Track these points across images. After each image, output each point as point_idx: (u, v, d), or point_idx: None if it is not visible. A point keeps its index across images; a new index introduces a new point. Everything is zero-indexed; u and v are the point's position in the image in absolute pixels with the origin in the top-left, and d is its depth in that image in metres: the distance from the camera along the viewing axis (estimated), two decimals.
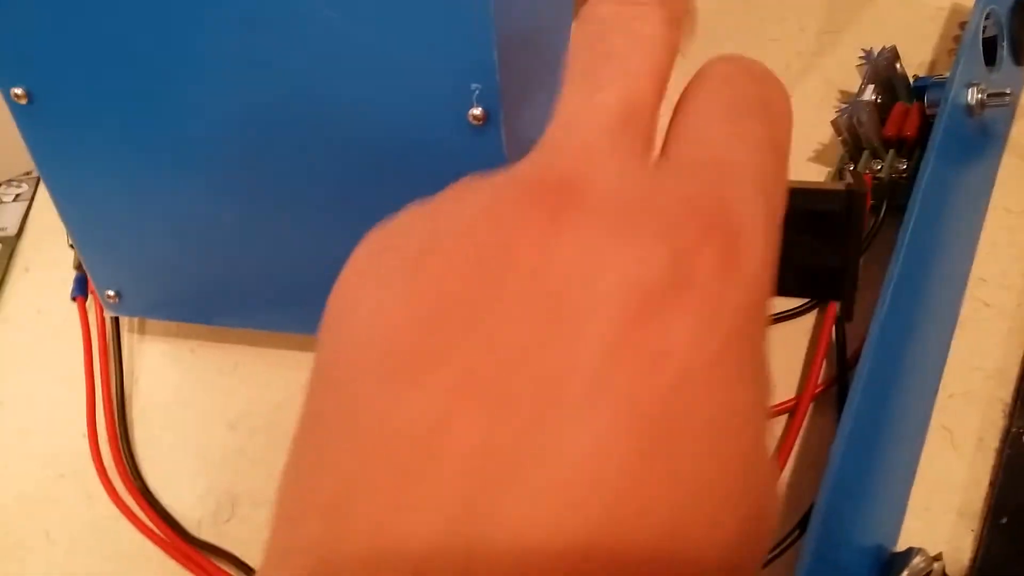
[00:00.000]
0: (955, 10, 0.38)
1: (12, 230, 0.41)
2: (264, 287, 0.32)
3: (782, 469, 0.29)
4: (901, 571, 0.25)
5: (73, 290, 0.37)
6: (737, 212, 0.14)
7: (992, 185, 0.33)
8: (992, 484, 0.28)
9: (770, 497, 0.14)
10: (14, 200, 0.42)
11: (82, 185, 0.31)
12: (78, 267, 0.37)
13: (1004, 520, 0.27)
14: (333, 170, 0.28)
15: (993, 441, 0.28)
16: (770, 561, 0.27)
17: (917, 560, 0.25)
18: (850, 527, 0.25)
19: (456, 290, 0.14)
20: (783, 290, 0.19)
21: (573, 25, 0.18)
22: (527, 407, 0.13)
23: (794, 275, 0.19)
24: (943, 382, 0.30)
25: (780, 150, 0.17)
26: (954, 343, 0.30)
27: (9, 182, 0.42)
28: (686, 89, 0.18)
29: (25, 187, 0.42)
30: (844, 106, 0.33)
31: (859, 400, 0.25)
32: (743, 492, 0.13)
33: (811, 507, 0.26)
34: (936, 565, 0.26)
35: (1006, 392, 0.29)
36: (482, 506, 0.12)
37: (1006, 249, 0.32)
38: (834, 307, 0.31)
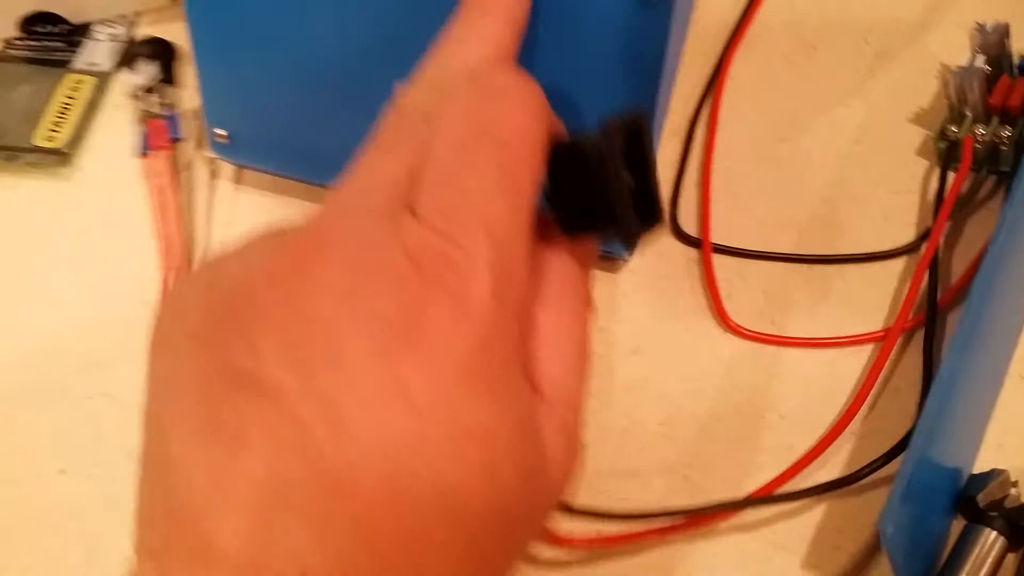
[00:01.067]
0: None
1: (107, 66, 0.40)
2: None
3: (866, 396, 0.30)
4: (982, 489, 0.27)
5: (140, 147, 0.37)
6: (459, 260, 0.17)
7: None
8: None
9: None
10: (109, 40, 0.41)
11: (221, 13, 0.31)
12: (143, 120, 0.37)
13: None
14: None
15: None
16: (860, 478, 0.28)
17: (999, 480, 0.27)
18: (940, 451, 0.27)
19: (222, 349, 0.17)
20: (577, 232, 0.21)
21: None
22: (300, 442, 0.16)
23: (582, 216, 0.21)
24: (1023, 336, 0.31)
25: (510, 176, 0.19)
26: None
27: (104, 21, 0.42)
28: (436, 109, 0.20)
29: (121, 29, 0.42)
30: (956, 69, 0.34)
31: (962, 337, 0.27)
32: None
33: (909, 433, 0.27)
34: (1013, 490, 0.27)
35: None
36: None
37: None
38: (931, 251, 0.32)
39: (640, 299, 0.33)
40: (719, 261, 0.33)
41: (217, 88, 0.33)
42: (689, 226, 0.34)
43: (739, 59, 0.38)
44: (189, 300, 0.19)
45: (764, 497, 0.28)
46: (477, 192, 0.18)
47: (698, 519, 0.28)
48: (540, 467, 0.19)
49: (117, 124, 0.39)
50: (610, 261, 0.34)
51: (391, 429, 0.16)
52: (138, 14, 0.42)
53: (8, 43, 0.41)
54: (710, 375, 0.31)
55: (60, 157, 0.37)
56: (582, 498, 0.27)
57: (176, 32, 0.40)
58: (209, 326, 0.17)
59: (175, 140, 0.37)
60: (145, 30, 0.42)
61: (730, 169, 0.36)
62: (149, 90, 0.38)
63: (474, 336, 0.17)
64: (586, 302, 0.21)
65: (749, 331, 0.32)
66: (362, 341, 0.16)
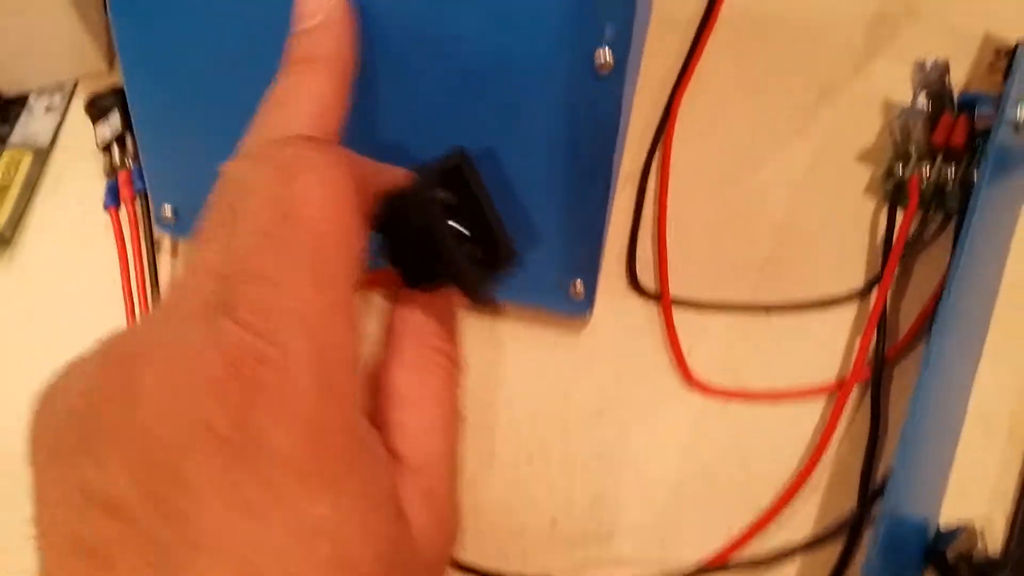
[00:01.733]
0: (987, 38, 0.41)
1: (44, 141, 0.39)
2: None
3: (823, 450, 0.30)
4: (949, 545, 0.27)
5: (106, 199, 0.36)
6: (276, 359, 0.17)
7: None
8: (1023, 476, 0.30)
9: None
10: (46, 112, 0.40)
11: (162, 87, 0.31)
12: (110, 173, 0.36)
13: None
14: (437, 100, 0.28)
15: (1022, 431, 0.31)
16: (829, 536, 0.28)
17: (965, 535, 0.27)
18: (910, 503, 0.27)
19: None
20: (422, 286, 0.21)
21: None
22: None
23: (421, 268, 0.21)
24: (978, 377, 0.32)
25: (316, 259, 0.19)
26: (988, 341, 0.33)
27: (40, 92, 0.41)
28: None
29: (57, 99, 0.41)
30: (900, 110, 0.35)
31: (924, 382, 0.27)
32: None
33: (871, 490, 0.28)
34: (980, 544, 0.28)
35: None
36: None
37: None
38: (881, 300, 0.33)
39: (602, 359, 0.33)
40: (679, 315, 0.33)
41: (161, 164, 0.33)
42: (647, 279, 0.35)
43: (686, 104, 0.39)
44: (46, 418, 0.19)
45: (733, 563, 0.28)
46: (285, 286, 0.18)
47: None
48: (404, 541, 0.19)
49: (57, 200, 0.38)
50: (570, 322, 0.33)
51: (239, 539, 0.16)
52: (76, 84, 0.41)
53: None
54: (676, 435, 0.31)
55: (1, 241, 0.36)
56: (555, 565, 0.27)
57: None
58: (62, 445, 0.18)
59: (140, 191, 0.36)
60: (80, 100, 0.41)
61: (684, 216, 0.36)
62: (118, 141, 0.36)
63: (301, 433, 0.17)
64: (449, 357, 0.21)
65: (712, 387, 0.32)
66: (198, 455, 0.17)
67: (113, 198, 0.35)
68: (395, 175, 0.22)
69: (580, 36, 0.26)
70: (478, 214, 0.21)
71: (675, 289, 0.34)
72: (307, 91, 0.23)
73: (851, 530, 0.28)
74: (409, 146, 0.29)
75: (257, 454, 0.17)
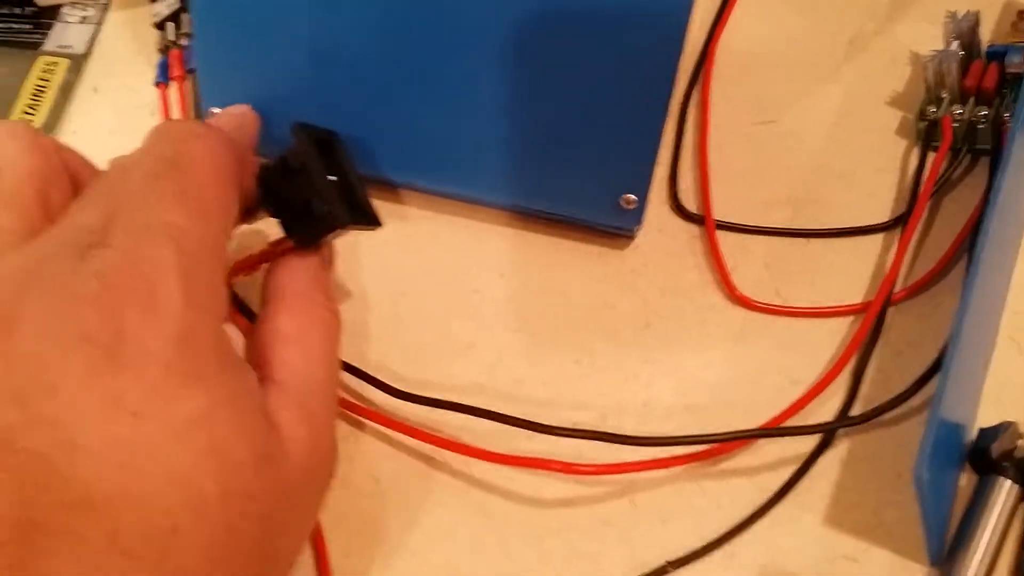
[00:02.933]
0: (1009, 2, 0.42)
1: (80, 48, 0.39)
2: (387, 135, 0.32)
3: (855, 348, 0.31)
4: (993, 441, 0.28)
5: (156, 75, 0.36)
6: (147, 270, 0.19)
7: None
8: None
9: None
10: (80, 22, 0.40)
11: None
12: (163, 50, 0.36)
13: None
14: (516, 20, 0.29)
15: None
16: (875, 415, 0.29)
17: (1008, 433, 0.28)
18: (952, 407, 0.28)
19: None
20: (307, 241, 0.24)
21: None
22: None
23: (303, 223, 0.24)
24: (1008, 301, 0.33)
25: (193, 195, 0.21)
26: (1017, 270, 0.34)
27: (73, 3, 0.40)
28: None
29: (92, 11, 0.40)
30: (933, 53, 0.36)
31: (967, 300, 0.28)
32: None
33: (919, 381, 0.29)
34: (1020, 441, 0.29)
35: None
36: None
37: None
38: (912, 228, 0.34)
39: (648, 275, 0.33)
40: (721, 237, 0.34)
41: (216, 65, 0.32)
42: (688, 203, 0.35)
43: (722, 47, 0.40)
44: None
45: (776, 428, 0.29)
46: (161, 210, 0.20)
47: (718, 448, 0.29)
48: (276, 446, 0.20)
49: (94, 107, 0.37)
50: (616, 239, 0.34)
51: (115, 436, 0.18)
52: None
53: None
54: (721, 345, 0.32)
55: None
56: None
57: (145, 14, 0.39)
58: None
59: (192, 71, 0.35)
60: (118, 13, 0.40)
61: (723, 149, 0.37)
62: (170, 19, 0.36)
63: (171, 333, 0.19)
64: (327, 308, 0.24)
65: (757, 302, 0.32)
66: (73, 365, 0.18)
67: (163, 74, 0.35)
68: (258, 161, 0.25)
69: None
70: (346, 181, 0.24)
71: (716, 214, 0.35)
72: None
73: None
74: (478, 54, 0.30)
75: (130, 355, 0.18)
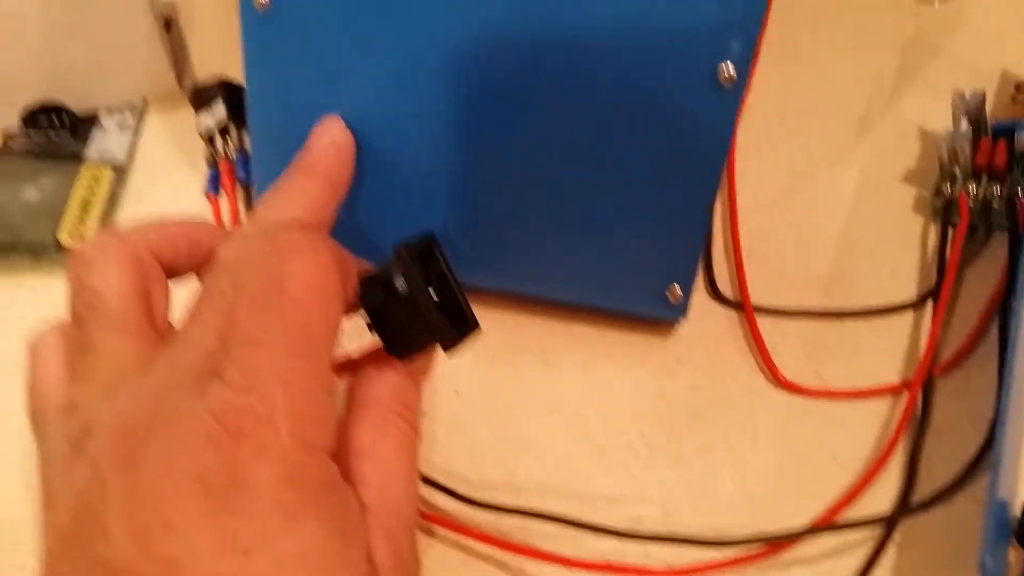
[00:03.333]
0: (1004, 74, 0.45)
1: (121, 157, 0.40)
2: (459, 238, 0.33)
3: (900, 433, 0.33)
4: None
5: (207, 187, 0.37)
6: (260, 412, 0.20)
7: None
8: None
9: None
10: (119, 129, 0.41)
11: (287, 101, 0.32)
12: (211, 161, 0.38)
13: None
14: (573, 118, 0.30)
15: None
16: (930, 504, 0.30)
17: None
18: (1002, 487, 0.29)
19: None
20: (403, 354, 0.25)
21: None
22: None
23: (402, 337, 0.24)
24: None
25: (302, 329, 0.21)
26: None
27: (110, 111, 0.41)
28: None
29: (128, 116, 0.41)
30: (946, 133, 0.38)
31: (1008, 382, 0.30)
32: None
33: (971, 465, 0.30)
34: None
35: None
36: None
37: None
38: (942, 308, 0.36)
39: (693, 363, 0.35)
40: (759, 320, 0.36)
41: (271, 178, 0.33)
42: (724, 288, 0.37)
43: (741, 132, 0.41)
44: (58, 500, 0.21)
45: (842, 522, 0.30)
46: (272, 349, 0.21)
47: (773, 547, 0.30)
48: (370, 573, 0.21)
49: (141, 215, 0.38)
50: (658, 327, 0.35)
51: (227, 573, 0.19)
52: (145, 101, 0.42)
53: (9, 137, 0.40)
54: (771, 430, 0.33)
55: None
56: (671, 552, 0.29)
57: (182, 120, 0.40)
58: (76, 528, 0.20)
59: (244, 182, 0.37)
60: (154, 117, 0.41)
61: (751, 232, 0.38)
62: (220, 132, 0.38)
63: (281, 473, 0.20)
64: (408, 421, 0.25)
65: (801, 386, 0.34)
66: (190, 504, 0.19)
67: (214, 185, 0.37)
68: (365, 266, 0.26)
69: (707, 50, 0.28)
70: (446, 287, 0.24)
71: (752, 297, 0.36)
72: (303, 191, 0.27)
73: (894, 512, 0.31)
74: (534, 154, 0.31)
75: (242, 495, 0.19)
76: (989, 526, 0.26)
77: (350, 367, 0.26)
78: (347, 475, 0.23)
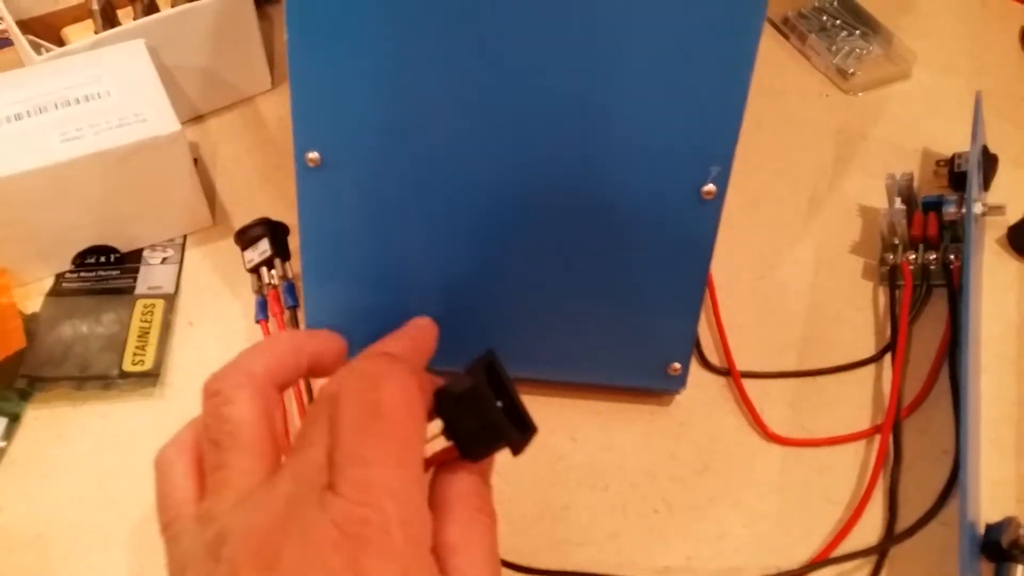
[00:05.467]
0: (926, 152, 0.52)
1: (169, 288, 0.45)
2: (472, 334, 0.38)
3: (878, 473, 0.39)
4: (1001, 534, 0.35)
5: (256, 313, 0.42)
6: (375, 520, 0.23)
7: (982, 268, 0.46)
8: None
9: None
10: (162, 263, 0.46)
11: (335, 249, 0.37)
12: (258, 291, 0.42)
13: None
14: (583, 237, 0.36)
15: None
16: (913, 532, 0.36)
17: (1012, 525, 0.35)
18: (968, 509, 0.35)
19: None
20: (476, 456, 0.29)
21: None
22: None
23: (476, 442, 0.28)
24: (983, 410, 0.41)
25: (398, 444, 0.25)
26: (982, 383, 0.42)
27: (152, 247, 0.46)
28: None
29: (171, 252, 0.46)
30: (885, 211, 0.45)
31: (964, 416, 0.35)
32: None
33: (943, 495, 0.36)
34: (1021, 531, 0.36)
35: None
36: None
37: (1003, 311, 0.44)
38: (899, 361, 0.42)
39: (694, 426, 0.40)
40: (745, 384, 0.41)
41: (323, 309, 0.38)
42: (711, 357, 0.42)
43: None
44: None
45: (847, 555, 0.36)
46: (378, 465, 0.24)
47: None
48: None
49: (193, 340, 0.43)
50: (661, 397, 0.41)
51: None
52: (185, 237, 0.47)
53: (61, 277, 0.45)
54: (769, 479, 0.39)
55: (151, 379, 0.41)
56: None
57: (218, 249, 0.46)
58: None
59: (291, 307, 0.42)
60: (192, 251, 0.46)
61: (730, 308, 0.44)
62: (265, 263, 0.43)
63: (397, 570, 0.23)
64: (488, 514, 0.28)
65: (789, 439, 0.40)
66: None
67: (263, 312, 0.42)
68: (438, 380, 0.30)
69: (692, 174, 0.34)
70: (508, 394, 0.29)
71: (737, 364, 0.42)
72: (399, 346, 0.31)
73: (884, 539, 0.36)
74: (553, 267, 0.37)
75: None
76: (964, 546, 0.31)
77: (429, 464, 0.29)
78: (440, 568, 0.26)
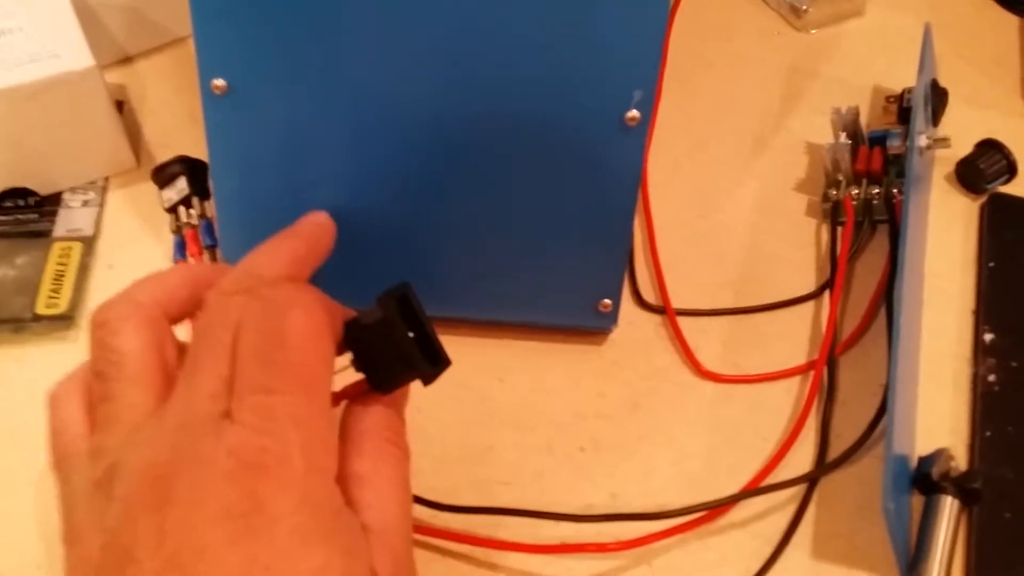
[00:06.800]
0: (876, 88, 0.51)
1: (88, 231, 0.43)
2: (388, 269, 0.37)
3: (810, 407, 0.38)
4: (932, 466, 0.34)
5: (174, 254, 0.41)
6: (274, 447, 0.23)
7: (928, 203, 0.45)
8: (972, 411, 0.38)
9: None
10: (83, 206, 0.44)
11: (248, 173, 0.36)
12: (176, 231, 0.41)
13: (988, 433, 0.37)
14: (506, 166, 0.35)
15: (965, 383, 0.39)
16: (840, 462, 0.35)
17: (943, 457, 0.35)
18: (899, 444, 0.34)
19: None
20: (387, 388, 0.28)
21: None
22: None
23: (385, 373, 0.27)
24: (922, 344, 0.40)
25: (303, 372, 0.24)
26: (923, 318, 0.41)
27: (73, 190, 0.45)
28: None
29: (92, 194, 0.44)
30: (828, 146, 0.44)
31: (896, 348, 0.34)
32: None
33: (871, 426, 0.35)
34: (952, 463, 0.35)
35: (967, 349, 0.40)
36: None
37: (947, 247, 0.43)
38: (837, 297, 0.41)
39: (627, 365, 0.39)
40: (680, 322, 0.40)
41: (236, 240, 0.37)
42: (648, 296, 0.41)
43: (652, 157, 0.46)
44: (85, 537, 0.23)
45: (773, 484, 0.35)
46: (283, 394, 0.23)
47: (710, 514, 0.34)
48: None
49: (112, 284, 0.41)
50: (594, 336, 0.40)
51: None
52: (107, 179, 0.45)
53: None
54: (700, 416, 0.38)
55: (65, 322, 0.40)
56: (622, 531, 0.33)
57: (142, 192, 0.44)
58: (105, 557, 0.22)
59: (210, 247, 0.40)
60: (115, 193, 0.45)
61: (668, 245, 0.43)
62: (183, 202, 0.41)
63: (295, 500, 0.22)
64: (399, 447, 0.28)
65: (721, 375, 0.38)
66: (217, 533, 0.21)
67: (180, 251, 0.40)
68: (347, 310, 0.29)
69: (615, 100, 0.33)
70: (422, 328, 0.28)
71: (673, 302, 0.41)
72: (287, 249, 0.30)
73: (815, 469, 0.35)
74: (476, 199, 0.36)
75: (263, 523, 0.22)
76: (887, 476, 0.31)
77: (336, 399, 0.28)
78: (348, 500, 0.26)
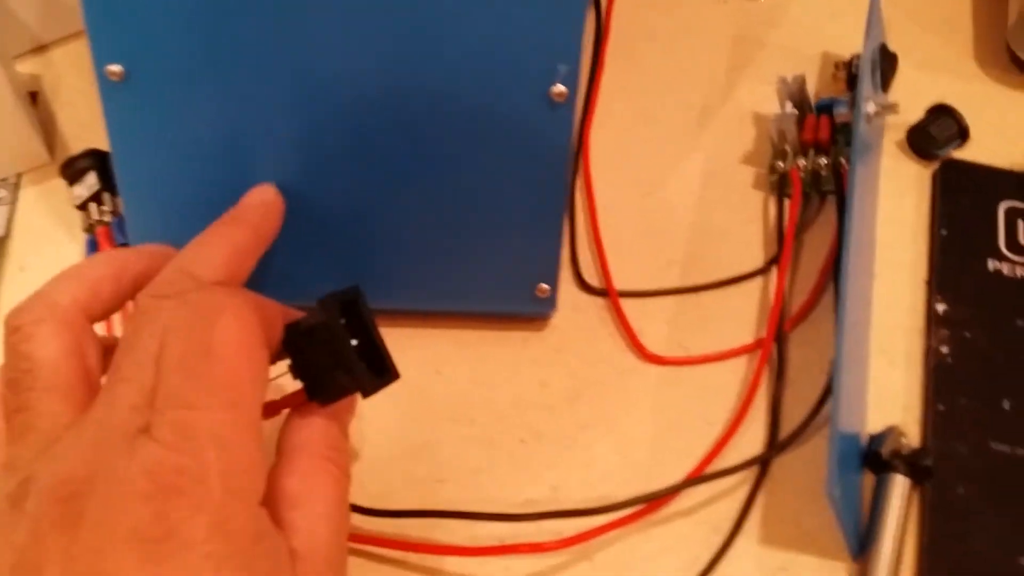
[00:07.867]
0: (825, 55, 0.49)
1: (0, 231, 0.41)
2: (318, 261, 0.35)
3: (756, 388, 0.36)
4: (882, 444, 0.33)
5: (86, 252, 0.39)
6: (192, 468, 0.21)
7: (879, 172, 0.43)
8: (925, 384, 0.36)
9: None
10: None
11: (154, 169, 0.33)
12: (88, 229, 0.39)
13: (941, 407, 0.35)
14: (429, 146, 0.33)
15: (917, 356, 0.37)
16: (784, 447, 0.34)
17: (893, 435, 0.33)
18: (846, 421, 0.33)
19: None
20: (324, 399, 0.26)
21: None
22: None
23: (323, 383, 0.25)
24: (872, 319, 0.38)
25: (229, 386, 0.22)
26: (874, 290, 0.39)
27: None
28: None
29: (3, 192, 0.42)
30: (774, 116, 0.42)
31: (841, 326, 0.33)
32: None
33: (815, 409, 0.33)
34: (903, 439, 0.34)
35: (920, 321, 0.38)
36: None
37: (899, 216, 0.42)
38: (783, 272, 0.39)
39: (569, 351, 0.38)
40: (625, 304, 0.38)
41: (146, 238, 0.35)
42: (590, 278, 0.40)
43: (595, 134, 0.44)
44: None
45: (718, 472, 0.33)
46: (204, 410, 0.22)
47: (653, 505, 0.33)
48: None
49: (25, 286, 0.39)
50: (535, 322, 0.38)
51: None
52: (20, 176, 0.43)
53: None
54: (644, 402, 0.36)
55: None
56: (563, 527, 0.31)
57: (57, 189, 0.42)
58: None
59: (123, 245, 0.38)
60: (28, 190, 0.42)
61: (611, 225, 0.41)
62: (94, 199, 0.38)
63: (211, 524, 0.21)
64: (336, 464, 0.26)
65: (666, 358, 0.37)
66: (126, 558, 0.20)
67: (93, 250, 0.38)
68: (291, 312, 0.27)
69: (538, 74, 0.31)
70: (369, 336, 0.26)
71: (617, 284, 0.39)
72: (228, 240, 0.28)
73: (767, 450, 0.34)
74: (398, 182, 0.34)
75: (175, 547, 0.20)
76: (832, 461, 0.29)
77: (274, 409, 0.27)
78: (277, 521, 0.24)
